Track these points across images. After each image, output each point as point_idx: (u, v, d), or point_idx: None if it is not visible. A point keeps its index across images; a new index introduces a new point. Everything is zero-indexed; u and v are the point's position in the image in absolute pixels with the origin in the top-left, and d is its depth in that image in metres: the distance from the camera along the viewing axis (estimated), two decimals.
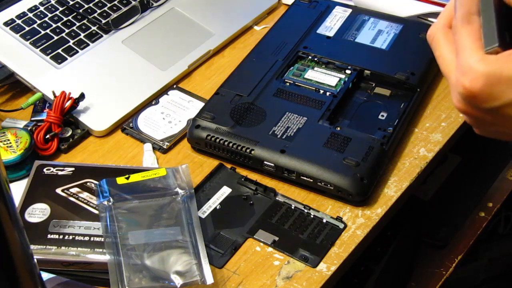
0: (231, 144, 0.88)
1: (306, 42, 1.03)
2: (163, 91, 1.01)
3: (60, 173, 0.86)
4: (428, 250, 1.16)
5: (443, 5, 1.07)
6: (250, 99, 0.94)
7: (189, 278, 0.75)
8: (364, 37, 1.04)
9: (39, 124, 0.94)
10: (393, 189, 0.87)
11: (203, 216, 0.84)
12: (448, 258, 1.14)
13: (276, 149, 0.87)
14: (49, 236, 0.79)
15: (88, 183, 0.85)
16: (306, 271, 0.79)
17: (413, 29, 1.05)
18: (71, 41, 1.04)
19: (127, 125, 0.96)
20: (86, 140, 0.96)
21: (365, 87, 0.98)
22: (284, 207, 0.85)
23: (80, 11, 1.08)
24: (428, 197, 1.23)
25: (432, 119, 0.96)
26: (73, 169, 0.87)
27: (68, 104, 0.94)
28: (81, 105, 0.96)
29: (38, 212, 0.81)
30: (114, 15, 1.08)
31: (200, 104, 0.97)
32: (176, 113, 0.98)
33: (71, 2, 1.09)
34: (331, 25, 1.06)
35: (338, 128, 0.90)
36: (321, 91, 0.95)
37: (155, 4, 1.11)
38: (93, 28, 1.07)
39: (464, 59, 0.54)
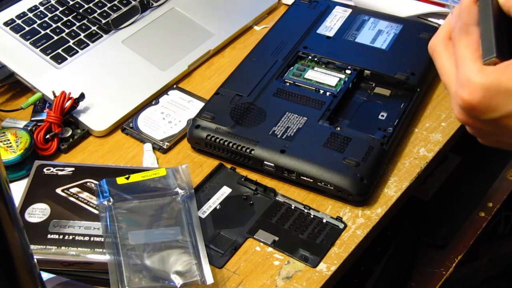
0: (231, 144, 0.88)
1: (306, 42, 1.03)
2: (163, 91, 1.01)
3: (60, 173, 0.86)
4: (428, 250, 1.16)
5: (443, 5, 1.07)
6: (250, 99, 0.94)
7: (189, 278, 0.75)
8: (364, 37, 1.04)
9: (39, 124, 0.94)
10: (393, 189, 0.87)
11: (203, 216, 0.84)
12: (448, 258, 1.14)
13: (276, 149, 0.87)
14: (49, 236, 0.79)
15: (88, 183, 0.85)
16: (306, 271, 0.79)
17: (413, 29, 1.05)
18: (71, 41, 1.04)
19: (127, 125, 0.96)
20: (86, 140, 0.96)
21: (365, 87, 0.98)
22: (284, 207, 0.85)
23: (80, 11, 1.08)
24: (428, 197, 1.23)
25: (432, 119, 0.96)
26: (73, 169, 0.87)
27: (68, 104, 0.94)
28: (81, 105, 0.96)
29: (38, 212, 0.81)
30: (114, 15, 1.08)
31: (200, 104, 0.97)
32: (176, 113, 0.98)
33: (71, 2, 1.09)
34: (331, 25, 1.06)
35: (338, 128, 0.90)
36: (321, 91, 0.95)
37: (155, 4, 1.11)
38: (93, 28, 1.07)
39: (462, 71, 0.54)
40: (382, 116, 0.94)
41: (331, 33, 1.05)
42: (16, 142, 0.90)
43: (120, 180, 0.84)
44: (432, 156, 0.91)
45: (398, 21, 1.06)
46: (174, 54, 1.05)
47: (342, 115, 0.94)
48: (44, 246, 0.78)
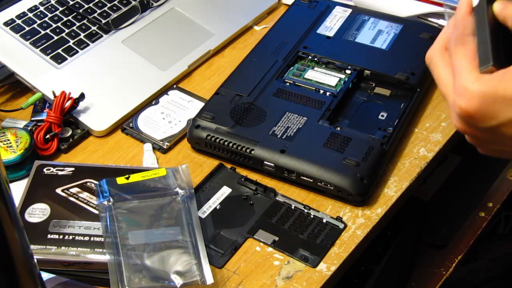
0: (231, 144, 0.88)
1: (306, 42, 1.03)
2: (163, 91, 1.01)
3: (60, 173, 0.86)
4: (428, 250, 1.16)
5: (442, 5, 1.07)
6: (250, 99, 0.94)
7: (189, 278, 0.75)
8: (364, 37, 1.04)
9: (39, 124, 0.94)
10: (393, 189, 0.87)
11: (203, 216, 0.84)
12: (448, 258, 1.14)
13: (276, 149, 0.87)
14: (49, 236, 0.79)
15: (88, 183, 0.85)
16: (306, 271, 0.79)
17: (413, 29, 1.05)
18: (71, 41, 1.04)
19: (127, 125, 0.96)
20: (86, 140, 0.96)
21: (365, 87, 0.98)
22: (284, 207, 0.85)
23: (80, 11, 1.08)
24: (428, 197, 1.23)
25: (432, 119, 0.96)
26: (73, 169, 0.87)
27: (68, 104, 0.94)
28: (81, 105, 0.96)
29: (38, 212, 0.81)
30: (114, 15, 1.08)
31: (200, 104, 0.97)
32: (176, 113, 0.98)
33: (71, 2, 1.09)
34: (331, 25, 1.06)
35: (338, 128, 0.90)
36: (321, 91, 0.95)
37: (155, 4, 1.11)
38: (93, 28, 1.07)
39: (460, 80, 0.55)
40: (382, 116, 0.94)
41: (331, 33, 1.05)
42: (16, 142, 0.90)
43: (120, 180, 0.84)
44: (432, 156, 0.91)
45: (398, 21, 1.06)
46: (174, 54, 1.05)
47: (342, 115, 0.94)
48: (44, 246, 0.78)
